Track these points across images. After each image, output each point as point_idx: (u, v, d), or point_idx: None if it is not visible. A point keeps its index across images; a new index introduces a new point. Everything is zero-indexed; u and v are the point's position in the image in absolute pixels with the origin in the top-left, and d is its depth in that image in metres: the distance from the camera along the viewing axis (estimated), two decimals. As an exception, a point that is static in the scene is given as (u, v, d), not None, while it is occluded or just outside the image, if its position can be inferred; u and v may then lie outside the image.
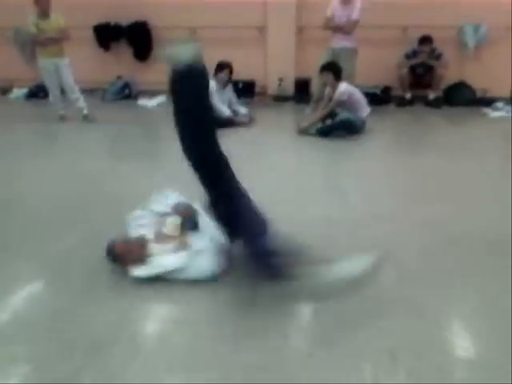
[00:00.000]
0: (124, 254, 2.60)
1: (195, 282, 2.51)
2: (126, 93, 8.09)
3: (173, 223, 2.78)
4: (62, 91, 6.54)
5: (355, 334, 2.17)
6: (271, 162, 4.78)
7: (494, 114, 6.57)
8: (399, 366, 1.96)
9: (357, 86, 5.88)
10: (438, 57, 7.04)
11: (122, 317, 2.30)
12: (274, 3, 7.46)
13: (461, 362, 2.00)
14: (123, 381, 1.91)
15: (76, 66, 6.48)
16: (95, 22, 8.11)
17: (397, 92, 7.41)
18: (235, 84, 6.95)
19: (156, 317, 2.36)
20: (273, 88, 7.83)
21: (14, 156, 5.00)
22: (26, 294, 2.52)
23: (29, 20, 6.09)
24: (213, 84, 5.95)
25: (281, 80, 7.70)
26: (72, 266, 2.75)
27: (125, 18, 7.99)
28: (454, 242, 3.01)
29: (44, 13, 6.05)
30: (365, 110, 5.70)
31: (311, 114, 6.26)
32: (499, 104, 6.73)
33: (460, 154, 4.95)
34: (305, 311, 2.38)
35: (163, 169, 4.51)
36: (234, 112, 6.33)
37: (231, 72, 6.24)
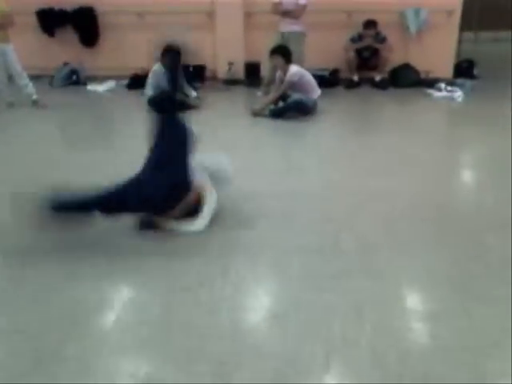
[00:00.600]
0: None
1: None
2: (74, 79, 7.93)
3: None
4: (10, 78, 6.37)
5: (322, 295, 2.32)
6: (226, 142, 4.83)
7: (436, 94, 6.89)
8: (365, 321, 2.13)
9: (306, 69, 6.03)
10: (383, 40, 7.31)
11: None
12: (221, -12, 7.51)
13: (417, 313, 2.21)
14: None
15: (20, 53, 6.30)
16: (38, 7, 7.89)
17: (345, 74, 7.63)
18: (186, 68, 6.97)
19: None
20: (223, 72, 7.89)
21: None
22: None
23: (-30, 5, 5.88)
24: (159, 66, 5.96)
25: (231, 64, 7.77)
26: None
27: (69, 3, 7.82)
28: (406, 209, 3.23)
29: (-15, -2, 5.87)
30: (316, 91, 5.87)
31: (263, 97, 6.38)
32: (441, 85, 7.05)
33: (405, 131, 5.25)
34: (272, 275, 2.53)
35: (118, 151, 4.56)
36: (185, 95, 6.35)
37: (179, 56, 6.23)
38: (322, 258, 2.63)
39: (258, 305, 2.31)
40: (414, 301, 2.33)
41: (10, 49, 6.12)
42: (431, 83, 7.20)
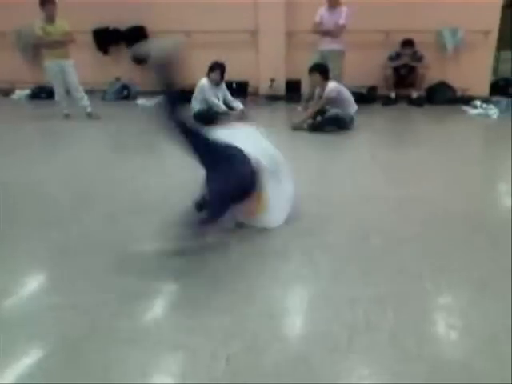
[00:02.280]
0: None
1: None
2: (125, 93, 8.48)
3: None
4: (67, 91, 6.92)
5: (349, 287, 2.57)
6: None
7: (472, 111, 7.06)
8: (387, 310, 2.35)
9: (344, 85, 6.32)
10: (420, 59, 7.54)
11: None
12: (264, 9, 7.92)
13: (436, 305, 2.42)
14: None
15: (77, 68, 6.86)
16: (94, 26, 8.49)
17: (382, 91, 7.90)
18: (229, 84, 7.38)
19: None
20: (265, 88, 8.27)
21: (25, 151, 5.35)
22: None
23: (35, 24, 6.48)
24: (206, 81, 6.39)
25: (272, 81, 8.13)
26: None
27: (123, 23, 8.38)
28: (433, 217, 3.45)
29: (50, 18, 6.46)
30: (353, 107, 6.14)
31: (303, 112, 6.69)
32: (477, 102, 7.21)
33: (438, 145, 5.44)
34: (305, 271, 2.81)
35: (162, 159, 4.97)
36: (230, 108, 6.72)
37: (223, 72, 6.62)
38: (350, 256, 2.89)
39: (291, 294, 2.58)
40: (433, 295, 2.51)
41: (69, 64, 6.69)
42: (467, 101, 7.38)
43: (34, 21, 6.52)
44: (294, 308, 2.43)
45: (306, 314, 2.38)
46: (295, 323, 2.31)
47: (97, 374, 1.95)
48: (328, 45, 6.90)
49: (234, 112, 6.62)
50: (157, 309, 2.41)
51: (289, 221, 3.37)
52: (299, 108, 7.16)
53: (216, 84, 6.58)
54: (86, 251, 2.96)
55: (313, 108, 6.23)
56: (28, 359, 2.03)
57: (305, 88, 7.43)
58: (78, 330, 2.23)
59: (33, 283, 2.65)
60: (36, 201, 3.81)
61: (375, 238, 3.10)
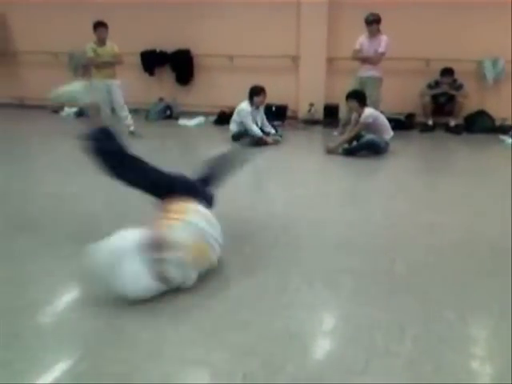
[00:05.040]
0: None
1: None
2: (168, 114, 8.77)
3: None
4: (112, 109, 7.24)
5: (370, 310, 2.64)
6: (299, 175, 5.36)
7: (510, 140, 6.96)
8: (406, 335, 2.40)
9: (382, 112, 6.42)
10: (459, 87, 7.53)
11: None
12: (306, 35, 8.10)
13: (456, 334, 2.44)
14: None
15: (123, 88, 7.16)
16: (143, 48, 8.85)
17: (420, 119, 7.90)
18: (269, 107, 7.58)
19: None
20: (303, 112, 8.40)
21: (71, 165, 5.58)
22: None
23: (88, 46, 6.86)
24: (246, 105, 6.60)
25: (311, 105, 8.26)
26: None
27: (170, 46, 8.71)
28: (461, 245, 3.47)
29: (101, 41, 6.84)
30: (388, 133, 6.20)
31: (339, 136, 6.78)
32: (516, 132, 7.16)
33: (472, 173, 5.44)
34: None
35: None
36: (265, 132, 6.89)
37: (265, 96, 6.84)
38: (373, 280, 2.96)
39: (312, 315, 2.64)
40: (454, 323, 2.53)
41: (116, 84, 7.02)
42: (506, 130, 7.30)
43: (87, 44, 6.89)
44: (313, 329, 2.50)
45: (325, 336, 2.45)
46: (313, 344, 2.39)
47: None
48: (366, 71, 7.00)
49: (267, 137, 6.78)
50: (179, 324, 2.52)
51: (315, 243, 3.46)
52: (335, 132, 7.27)
53: (256, 107, 6.77)
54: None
55: (349, 133, 6.31)
56: (59, 364, 2.18)
57: (342, 113, 7.53)
58: (104, 339, 2.37)
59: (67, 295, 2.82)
60: (72, 212, 4.06)
61: (400, 264, 3.15)
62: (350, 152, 6.10)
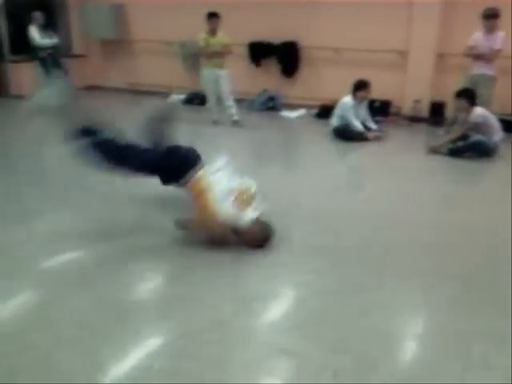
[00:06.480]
0: None
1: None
2: (271, 105, 8.91)
3: None
4: (218, 99, 7.51)
5: (467, 317, 2.58)
6: (395, 172, 5.27)
7: None
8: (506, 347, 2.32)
9: (493, 112, 6.08)
10: None
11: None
12: (417, 29, 7.85)
13: None
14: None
15: (230, 78, 7.38)
16: (250, 40, 9.06)
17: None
18: (372, 102, 7.46)
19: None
20: (408, 109, 8.18)
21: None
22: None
23: (199, 36, 7.16)
24: (349, 99, 6.56)
25: (416, 102, 8.02)
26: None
27: (277, 38, 8.84)
28: None
29: (213, 31, 7.10)
30: (498, 134, 5.90)
31: (444, 135, 6.53)
32: None
33: None
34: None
35: (297, 168, 5.26)
36: (366, 127, 6.81)
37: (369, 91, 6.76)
38: (475, 286, 2.88)
39: (408, 317, 2.65)
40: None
41: (224, 74, 7.27)
42: None
43: (199, 34, 7.19)
44: (410, 331, 2.51)
45: (421, 340, 2.44)
46: (409, 346, 2.39)
47: (211, 364, 2.20)
48: (479, 69, 6.64)
49: (369, 133, 6.71)
50: (272, 311, 2.64)
51: (408, 245, 3.42)
52: (440, 131, 7.00)
53: (359, 102, 6.71)
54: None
55: (455, 132, 6.08)
56: (155, 340, 2.37)
57: (449, 111, 7.22)
58: (199, 322, 2.53)
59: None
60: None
61: (506, 274, 3.04)
62: (455, 152, 5.87)
